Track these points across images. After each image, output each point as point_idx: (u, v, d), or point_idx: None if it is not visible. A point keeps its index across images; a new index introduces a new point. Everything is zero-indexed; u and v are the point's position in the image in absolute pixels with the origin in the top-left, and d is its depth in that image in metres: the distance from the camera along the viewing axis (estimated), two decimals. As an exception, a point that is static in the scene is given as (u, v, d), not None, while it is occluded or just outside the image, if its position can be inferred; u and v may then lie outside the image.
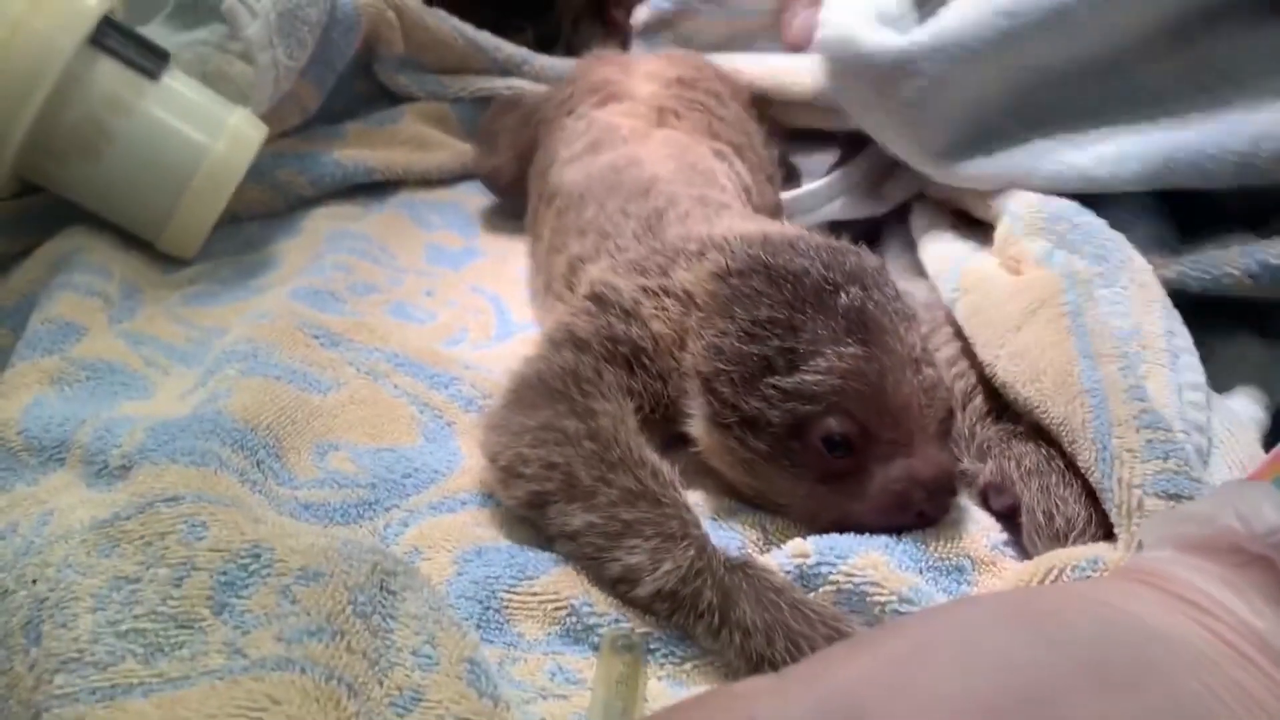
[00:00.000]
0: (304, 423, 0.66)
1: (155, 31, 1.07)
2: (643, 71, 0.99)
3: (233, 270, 0.92)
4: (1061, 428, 0.58)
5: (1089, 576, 0.50)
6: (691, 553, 0.51)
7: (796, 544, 0.55)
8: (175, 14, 1.08)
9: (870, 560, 0.53)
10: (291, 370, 0.70)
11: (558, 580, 0.54)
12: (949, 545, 0.57)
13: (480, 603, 0.54)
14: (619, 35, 1.28)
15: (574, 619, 0.53)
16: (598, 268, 0.71)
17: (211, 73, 1.01)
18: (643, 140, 0.88)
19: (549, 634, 0.53)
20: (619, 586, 0.53)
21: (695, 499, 0.61)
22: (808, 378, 0.56)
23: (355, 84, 1.20)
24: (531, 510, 0.58)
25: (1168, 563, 0.36)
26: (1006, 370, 0.63)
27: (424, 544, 0.58)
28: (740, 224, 0.72)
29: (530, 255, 0.92)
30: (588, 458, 0.55)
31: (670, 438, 0.63)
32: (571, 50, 1.32)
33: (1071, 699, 0.30)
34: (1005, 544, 0.58)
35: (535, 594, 0.54)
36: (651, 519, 0.53)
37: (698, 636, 0.51)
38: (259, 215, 1.03)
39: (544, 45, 1.29)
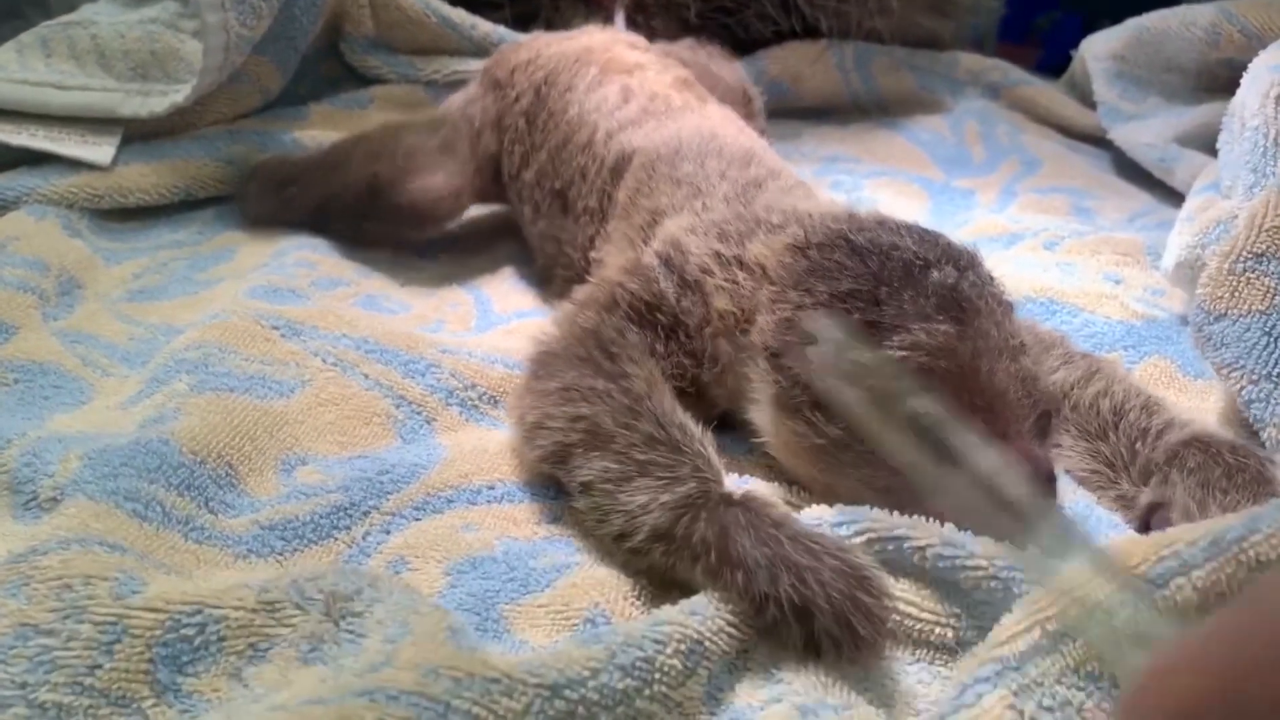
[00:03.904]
0: (265, 438, 0.59)
1: (105, 9, 1.00)
2: (606, 40, 0.92)
3: (184, 263, 0.85)
4: None
5: None
6: (689, 486, 0.49)
7: (816, 508, 0.51)
8: (125, -10, 1.01)
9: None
10: (248, 377, 0.63)
11: (566, 592, 0.48)
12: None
13: (478, 615, 0.47)
14: (602, 13, 1.21)
15: (590, 628, 0.47)
16: (677, 222, 0.66)
17: (162, 51, 0.95)
18: (701, 113, 0.81)
19: (558, 641, 0.47)
20: (621, 542, 0.49)
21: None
22: (890, 354, 0.50)
23: (321, 66, 1.12)
24: (555, 464, 0.54)
25: None
26: None
27: (410, 553, 0.52)
28: (830, 205, 0.67)
29: (541, 241, 0.84)
30: (616, 408, 0.53)
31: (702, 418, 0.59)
32: (550, 26, 1.24)
33: None
34: None
35: (542, 605, 0.48)
36: (665, 462, 0.50)
37: (700, 582, 0.46)
38: (212, 196, 0.95)
39: (521, 22, 1.22)
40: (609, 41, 0.92)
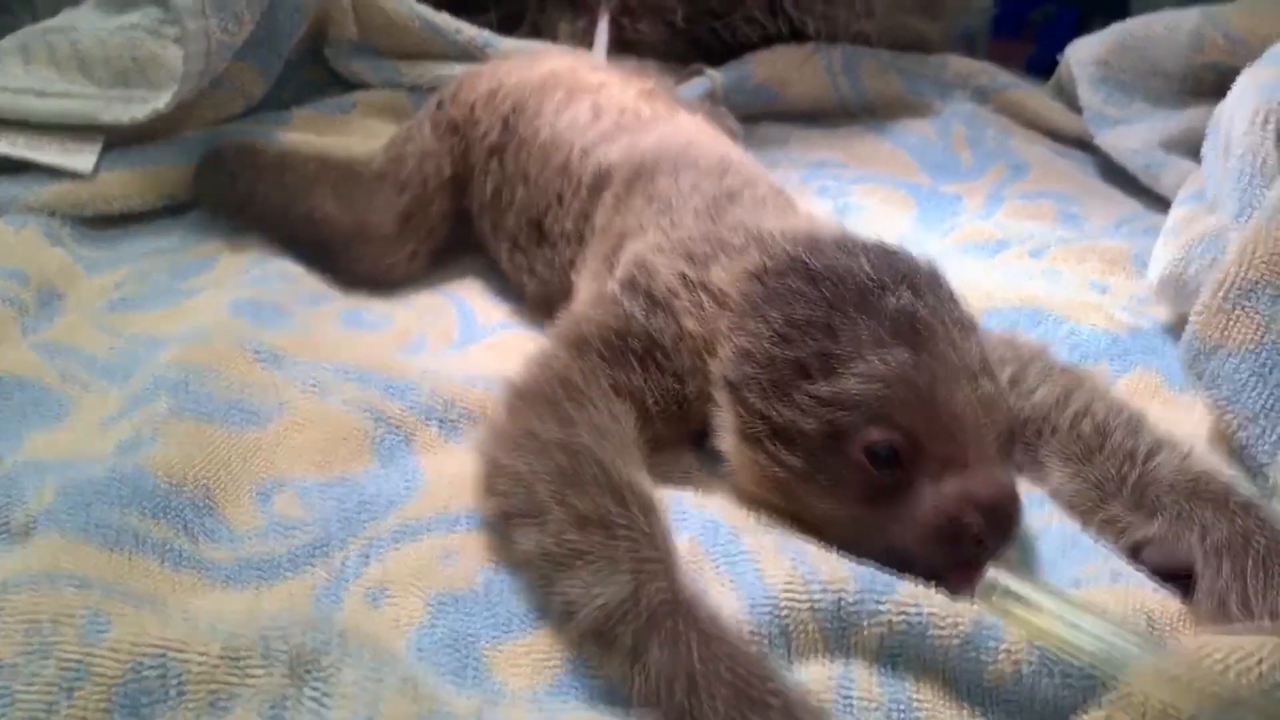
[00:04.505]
0: (240, 466, 0.58)
1: (86, 15, 0.99)
2: (577, 63, 0.91)
3: (166, 272, 0.84)
4: None
5: None
6: (627, 589, 0.45)
7: (835, 570, 0.48)
8: (106, -4, 1.00)
9: (920, 591, 0.47)
10: (227, 404, 0.62)
11: (548, 636, 0.47)
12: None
13: (458, 655, 0.47)
14: (588, 15, 1.20)
15: (568, 676, 0.46)
16: (643, 242, 0.65)
17: (143, 57, 0.94)
18: (674, 122, 0.81)
19: (537, 686, 0.46)
20: (562, 625, 0.47)
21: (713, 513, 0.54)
22: (847, 384, 0.50)
23: (304, 70, 1.11)
24: (501, 526, 0.52)
25: None
26: None
27: (389, 582, 0.51)
28: (793, 221, 0.66)
29: (518, 273, 0.83)
30: (551, 472, 0.50)
31: (688, 434, 0.59)
32: (537, 30, 1.24)
33: None
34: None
35: (524, 648, 0.47)
36: (599, 547, 0.46)
37: (613, 678, 0.45)
38: (192, 201, 0.95)
39: (507, 25, 1.21)
40: (571, 64, 0.91)
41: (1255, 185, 0.70)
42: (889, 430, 0.50)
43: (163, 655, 0.41)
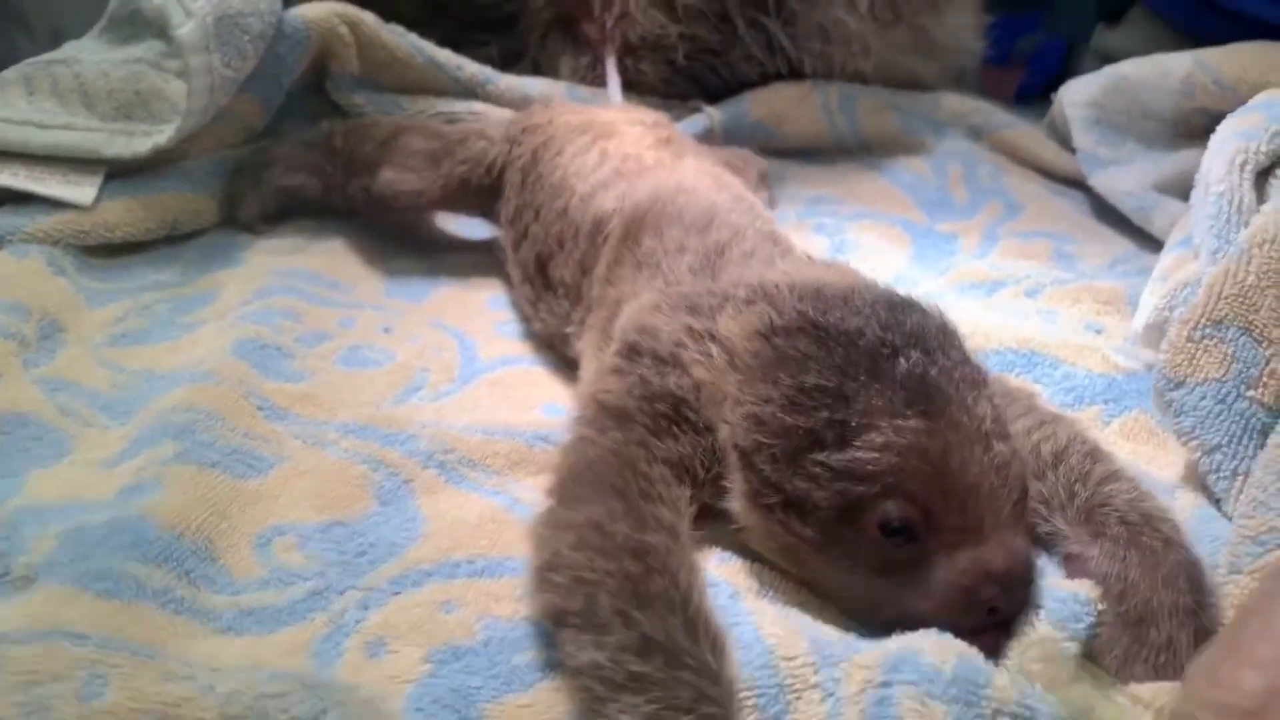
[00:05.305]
0: (239, 514, 0.58)
1: (89, 46, 1.00)
2: (622, 121, 0.92)
3: (167, 305, 0.84)
4: None
5: None
6: None
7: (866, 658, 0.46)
8: (110, 29, 1.01)
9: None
10: (231, 450, 0.63)
11: (549, 695, 0.47)
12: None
13: (456, 712, 0.46)
14: (590, 53, 1.21)
15: None
16: (636, 305, 0.64)
17: (146, 91, 0.94)
18: (674, 169, 0.81)
19: None
20: None
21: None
22: (861, 454, 0.49)
23: (306, 103, 1.11)
24: (552, 626, 0.49)
25: None
26: None
27: (389, 633, 0.51)
28: (799, 269, 0.65)
29: (521, 292, 0.85)
30: (620, 581, 0.46)
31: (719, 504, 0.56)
32: (538, 67, 1.25)
33: None
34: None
35: (525, 706, 0.46)
36: (662, 679, 0.43)
37: None
38: (196, 231, 0.96)
39: (508, 61, 1.22)
40: (617, 115, 0.93)
41: (1232, 225, 0.71)
42: (903, 505, 0.49)
43: (160, 719, 0.41)
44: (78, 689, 0.41)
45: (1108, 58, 1.30)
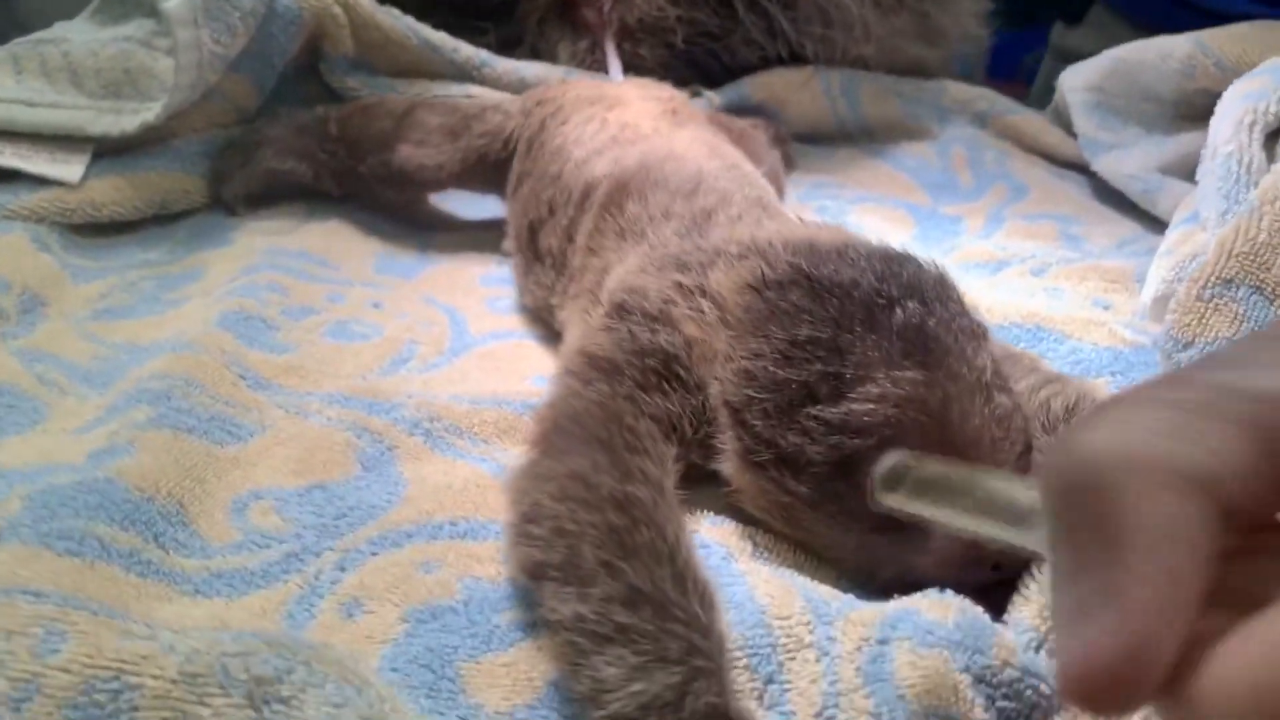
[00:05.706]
0: (215, 480, 0.56)
1: (79, 27, 0.99)
2: (632, 93, 0.91)
3: (153, 282, 0.83)
4: None
5: None
6: (672, 685, 0.40)
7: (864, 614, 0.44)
8: (102, 9, 1.00)
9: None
10: (208, 417, 0.61)
11: (530, 654, 0.45)
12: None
13: (433, 671, 0.44)
14: (589, 37, 1.20)
15: (548, 695, 0.43)
16: (623, 268, 0.62)
17: (135, 69, 0.93)
18: (669, 137, 0.79)
19: (515, 705, 0.43)
20: (586, 705, 0.42)
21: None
22: (856, 407, 0.47)
23: (300, 85, 1.10)
24: (530, 581, 0.46)
25: None
26: None
27: (366, 594, 0.49)
28: (790, 228, 0.63)
29: (515, 260, 0.84)
30: (604, 533, 0.44)
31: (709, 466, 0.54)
32: (536, 53, 1.23)
33: None
34: None
35: (504, 665, 0.44)
36: (650, 631, 0.41)
37: None
38: (185, 210, 0.94)
39: (506, 47, 1.20)
40: (631, 89, 0.92)
41: (1241, 185, 0.69)
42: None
43: (116, 675, 0.39)
44: (33, 645, 0.40)
45: (1068, 57, 1.28)
